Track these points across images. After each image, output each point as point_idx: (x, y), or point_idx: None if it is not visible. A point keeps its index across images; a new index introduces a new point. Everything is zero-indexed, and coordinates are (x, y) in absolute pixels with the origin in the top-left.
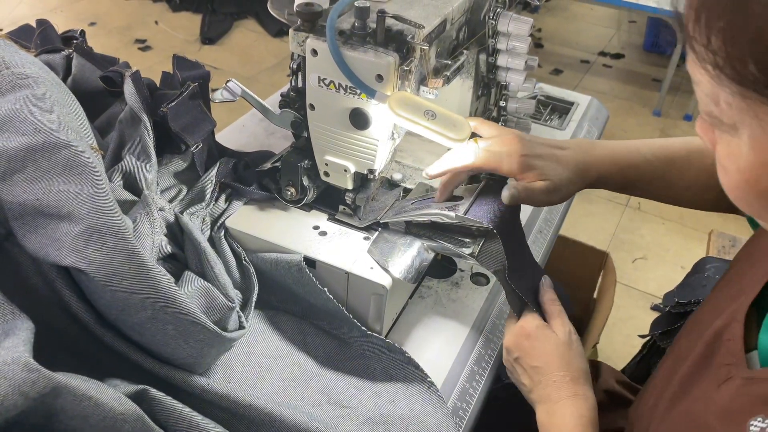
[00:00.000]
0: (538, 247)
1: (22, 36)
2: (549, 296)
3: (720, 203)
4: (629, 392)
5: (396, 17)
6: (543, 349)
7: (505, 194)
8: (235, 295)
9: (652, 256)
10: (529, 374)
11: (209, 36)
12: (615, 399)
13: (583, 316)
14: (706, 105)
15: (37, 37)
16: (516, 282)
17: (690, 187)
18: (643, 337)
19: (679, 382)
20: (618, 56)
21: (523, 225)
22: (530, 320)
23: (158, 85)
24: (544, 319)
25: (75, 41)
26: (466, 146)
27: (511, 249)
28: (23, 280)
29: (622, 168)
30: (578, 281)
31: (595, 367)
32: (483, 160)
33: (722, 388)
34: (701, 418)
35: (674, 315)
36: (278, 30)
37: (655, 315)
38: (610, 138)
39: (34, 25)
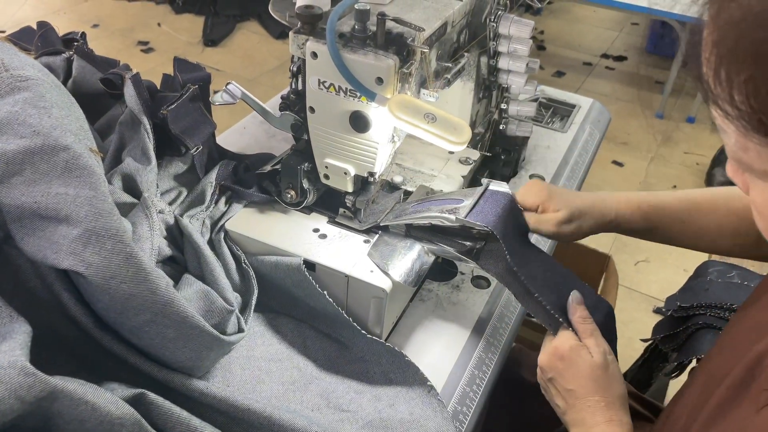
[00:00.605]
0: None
1: (22, 38)
2: (579, 314)
3: (761, 250)
4: (635, 402)
5: (396, 20)
6: (577, 372)
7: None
8: (235, 298)
9: (655, 258)
10: (564, 396)
11: (212, 38)
12: None
13: None
14: (734, 153)
15: (37, 39)
16: (539, 290)
17: (720, 231)
18: (645, 341)
19: (714, 405)
20: (620, 58)
21: None
22: (564, 340)
23: (159, 87)
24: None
25: (76, 43)
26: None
27: (514, 252)
28: (22, 283)
29: (642, 207)
30: None
31: None
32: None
33: (762, 413)
34: None
35: (676, 319)
36: (281, 32)
37: (658, 318)
38: (612, 140)
39: (35, 27)
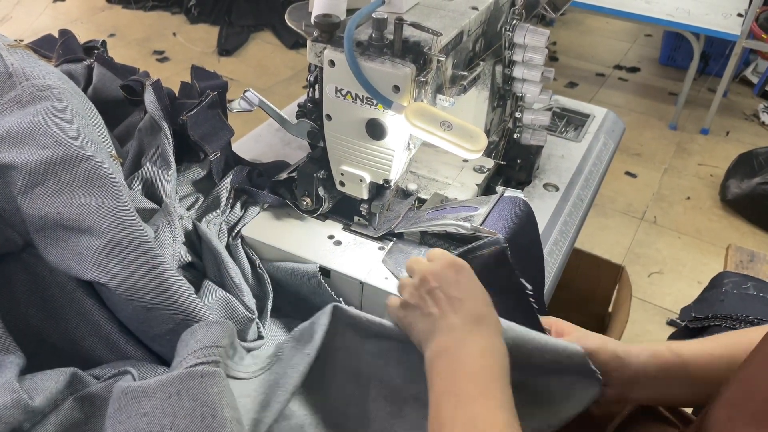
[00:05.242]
0: (554, 259)
1: (44, 46)
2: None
3: None
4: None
5: (414, 25)
6: (473, 287)
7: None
8: (254, 304)
9: (669, 270)
10: (446, 303)
11: (226, 48)
12: (647, 411)
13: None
14: None
15: (59, 47)
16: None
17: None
18: None
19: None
20: (634, 70)
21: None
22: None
23: (177, 95)
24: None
25: (96, 51)
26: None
27: (520, 265)
28: (41, 291)
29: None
30: (593, 295)
31: None
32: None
33: None
34: None
35: (691, 330)
36: (294, 42)
37: (671, 330)
38: (625, 151)
39: (56, 35)
